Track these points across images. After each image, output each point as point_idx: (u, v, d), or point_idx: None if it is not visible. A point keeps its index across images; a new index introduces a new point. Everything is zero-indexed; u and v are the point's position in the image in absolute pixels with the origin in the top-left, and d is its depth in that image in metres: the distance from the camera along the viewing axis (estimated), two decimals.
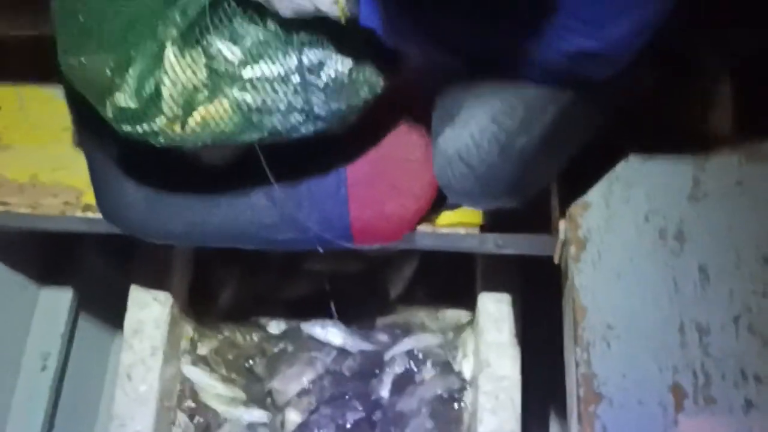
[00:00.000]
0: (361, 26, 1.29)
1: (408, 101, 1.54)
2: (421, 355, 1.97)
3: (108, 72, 1.38)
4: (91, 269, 2.09)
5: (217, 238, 1.65)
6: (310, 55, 1.38)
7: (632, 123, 1.49)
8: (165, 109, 1.38)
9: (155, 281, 1.94)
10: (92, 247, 2.07)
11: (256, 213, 1.61)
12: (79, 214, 1.73)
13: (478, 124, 1.31)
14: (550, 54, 1.22)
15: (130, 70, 1.38)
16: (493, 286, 1.88)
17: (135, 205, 1.62)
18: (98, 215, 1.68)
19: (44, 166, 1.77)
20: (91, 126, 1.63)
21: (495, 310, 1.86)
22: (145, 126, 1.39)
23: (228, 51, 1.37)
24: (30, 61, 1.82)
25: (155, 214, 1.62)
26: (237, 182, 1.60)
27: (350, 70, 1.40)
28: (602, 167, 1.48)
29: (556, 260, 1.54)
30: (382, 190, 1.60)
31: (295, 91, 1.39)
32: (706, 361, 1.34)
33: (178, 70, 1.36)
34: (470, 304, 1.96)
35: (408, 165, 1.60)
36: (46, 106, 1.82)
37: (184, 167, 1.59)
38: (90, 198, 1.70)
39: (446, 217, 1.67)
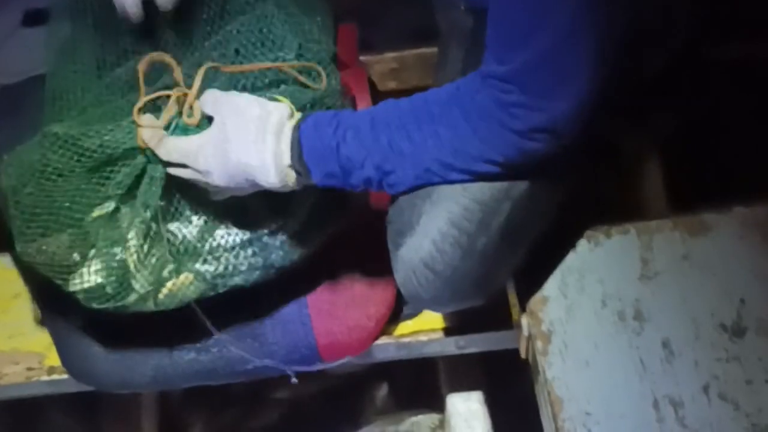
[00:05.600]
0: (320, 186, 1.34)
1: (358, 220, 1.60)
2: None
3: (72, 256, 1.41)
4: (59, 428, 2.08)
5: (186, 379, 1.67)
6: (266, 221, 1.43)
7: (573, 213, 1.55)
8: (136, 287, 1.41)
9: (125, 429, 1.93)
10: (58, 407, 2.05)
11: (223, 349, 1.63)
12: (44, 377, 1.74)
13: (438, 230, 1.36)
14: (503, 137, 1.26)
15: (94, 254, 1.41)
16: (459, 386, 1.90)
17: (102, 361, 1.63)
18: (64, 376, 1.70)
19: (1, 335, 1.77)
20: (48, 291, 1.64)
21: (465, 409, 1.87)
22: (117, 303, 1.42)
23: (185, 231, 1.42)
24: None
25: (123, 366, 1.64)
26: (199, 321, 1.62)
27: (305, 224, 1.45)
28: (552, 260, 1.54)
29: (522, 355, 1.59)
30: (343, 305, 1.64)
31: (254, 254, 1.45)
32: None
33: (144, 253, 1.40)
34: (439, 407, 1.98)
35: (363, 277, 1.64)
36: None
37: (145, 316, 1.60)
38: (53, 360, 1.71)
39: (406, 327, 1.72)
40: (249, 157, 1.30)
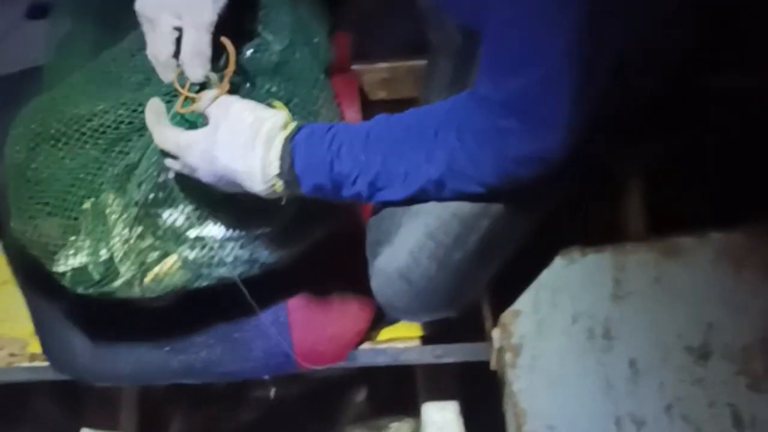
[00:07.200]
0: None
1: (343, 229, 1.62)
2: None
3: (62, 237, 1.44)
4: (39, 416, 2.10)
5: (164, 376, 1.70)
6: (256, 217, 1.44)
7: (552, 230, 1.57)
8: (122, 271, 1.43)
9: (104, 422, 1.94)
10: (40, 393, 2.08)
11: (200, 349, 1.66)
12: (26, 364, 1.76)
13: (416, 242, 1.39)
14: (498, 162, 1.28)
15: (82, 238, 1.43)
16: (435, 395, 1.92)
17: (82, 352, 1.67)
18: (45, 363, 1.72)
19: None
20: (34, 278, 1.67)
21: (439, 418, 1.89)
22: (103, 288, 1.44)
23: (173, 218, 1.44)
24: None
25: (102, 358, 1.67)
26: (179, 320, 1.65)
27: (294, 222, 1.45)
28: (528, 275, 1.56)
29: (492, 367, 1.61)
30: (322, 314, 1.66)
31: (242, 246, 1.46)
32: None
33: (131, 238, 1.42)
34: (414, 414, 2.00)
35: (345, 288, 1.67)
36: None
37: (127, 310, 1.62)
38: (35, 347, 1.73)
39: (385, 333, 1.74)
40: (236, 163, 1.31)
